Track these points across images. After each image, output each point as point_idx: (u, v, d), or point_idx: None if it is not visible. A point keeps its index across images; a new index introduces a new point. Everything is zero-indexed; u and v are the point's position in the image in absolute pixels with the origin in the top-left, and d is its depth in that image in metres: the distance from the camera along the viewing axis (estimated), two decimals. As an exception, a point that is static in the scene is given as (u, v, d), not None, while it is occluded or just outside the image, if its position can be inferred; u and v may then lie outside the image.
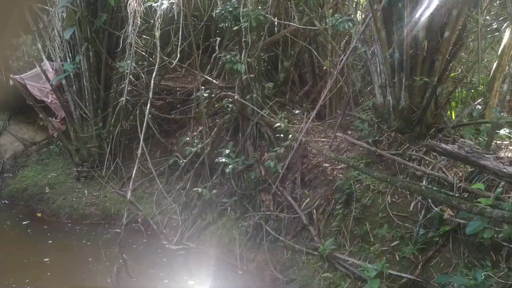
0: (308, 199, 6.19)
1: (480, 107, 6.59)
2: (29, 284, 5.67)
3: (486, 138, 5.29)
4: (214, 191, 6.91)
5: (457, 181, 4.85)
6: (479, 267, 4.26)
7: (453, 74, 6.66)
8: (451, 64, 5.89)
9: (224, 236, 6.54)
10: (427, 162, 5.44)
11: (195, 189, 7.04)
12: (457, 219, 4.64)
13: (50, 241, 6.84)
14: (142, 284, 5.71)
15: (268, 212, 6.36)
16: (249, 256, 6.17)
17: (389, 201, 5.45)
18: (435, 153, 5.41)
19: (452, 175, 5.05)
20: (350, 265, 5.25)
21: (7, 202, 8.25)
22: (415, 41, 5.55)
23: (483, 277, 4.04)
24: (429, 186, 4.99)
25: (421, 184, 5.12)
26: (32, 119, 9.58)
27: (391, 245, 5.18)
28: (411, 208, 5.29)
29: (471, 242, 4.57)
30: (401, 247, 5.07)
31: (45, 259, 6.30)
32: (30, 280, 5.74)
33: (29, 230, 7.24)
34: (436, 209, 4.86)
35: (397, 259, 5.05)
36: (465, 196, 4.71)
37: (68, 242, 6.86)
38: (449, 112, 6.77)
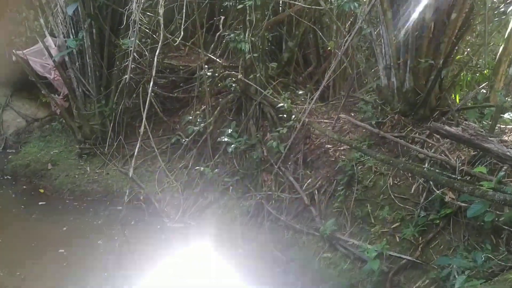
0: (310, 180, 6.20)
1: (485, 91, 6.55)
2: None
3: (490, 122, 5.27)
4: (216, 170, 6.93)
5: (460, 164, 4.84)
6: (479, 250, 4.28)
7: (458, 57, 6.61)
8: (457, 47, 5.84)
9: (225, 215, 6.57)
10: (430, 145, 5.43)
11: (197, 168, 7.06)
12: (458, 202, 4.64)
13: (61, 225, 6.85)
14: (144, 261, 5.77)
15: (269, 192, 6.36)
16: (250, 236, 6.20)
17: (391, 183, 5.44)
18: (438, 136, 5.40)
19: (455, 158, 5.03)
20: (350, 246, 5.28)
21: (9, 177, 8.29)
22: (421, 23, 5.49)
23: (483, 259, 4.06)
24: (432, 169, 4.99)
25: (423, 166, 5.11)
26: (34, 95, 9.56)
27: (392, 227, 5.19)
28: (412, 190, 5.28)
29: (472, 225, 4.58)
30: (402, 229, 5.07)
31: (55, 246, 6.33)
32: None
33: (35, 213, 7.23)
34: (437, 191, 4.86)
35: (398, 240, 5.06)
36: (467, 179, 4.71)
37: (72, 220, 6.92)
38: (453, 96, 6.74)
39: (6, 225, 6.67)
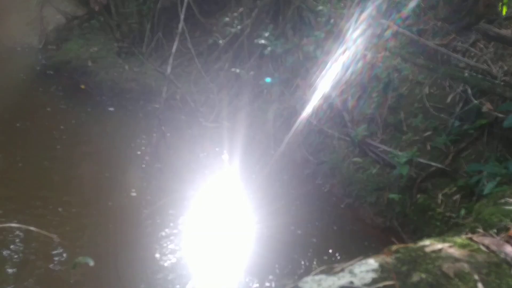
0: (344, 86, 6.16)
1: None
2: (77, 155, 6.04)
3: (539, 32, 5.03)
4: (252, 72, 6.94)
5: (502, 74, 4.71)
6: (512, 160, 4.28)
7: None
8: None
9: (258, 118, 6.67)
10: (472, 54, 5.26)
11: (233, 69, 7.09)
12: (495, 113, 4.57)
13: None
14: (179, 155, 6.01)
15: (303, 96, 6.38)
16: (282, 138, 6.32)
17: (427, 92, 5.37)
18: (481, 46, 5.23)
19: (497, 68, 4.90)
20: (380, 152, 5.33)
21: (52, 73, 8.51)
22: None
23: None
24: (474, 74, 4.86)
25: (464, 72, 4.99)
26: (73, -9, 9.55)
27: (424, 135, 5.18)
28: (448, 100, 5.21)
29: (507, 137, 4.52)
30: (434, 137, 5.06)
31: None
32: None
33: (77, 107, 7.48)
34: (475, 101, 4.78)
35: (428, 149, 5.06)
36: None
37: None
38: (500, 6, 6.39)
39: (53, 118, 6.98)
